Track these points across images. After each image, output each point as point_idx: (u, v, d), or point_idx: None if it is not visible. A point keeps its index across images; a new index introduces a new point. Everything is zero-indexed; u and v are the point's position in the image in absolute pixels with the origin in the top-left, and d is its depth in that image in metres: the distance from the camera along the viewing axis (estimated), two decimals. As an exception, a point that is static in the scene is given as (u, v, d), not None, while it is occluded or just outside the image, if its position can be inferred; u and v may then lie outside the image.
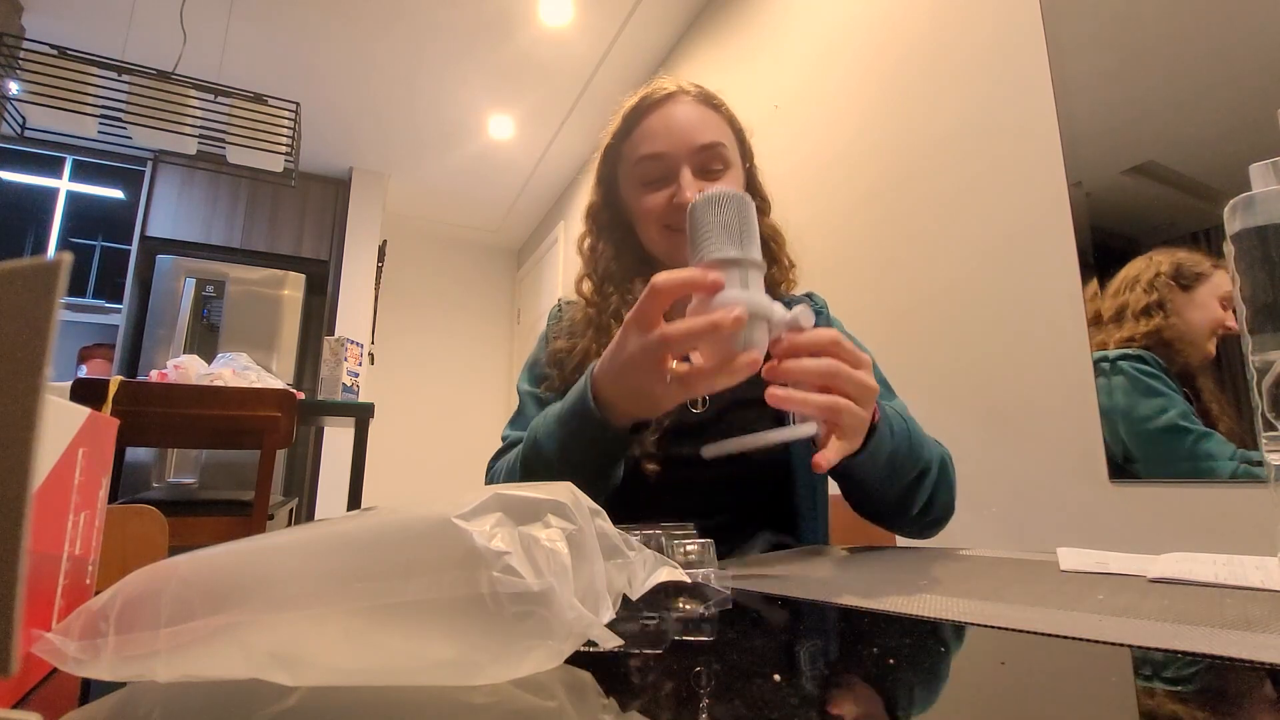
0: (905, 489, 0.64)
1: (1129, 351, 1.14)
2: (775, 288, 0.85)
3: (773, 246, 0.87)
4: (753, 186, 0.87)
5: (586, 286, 0.86)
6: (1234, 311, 0.39)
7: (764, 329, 0.49)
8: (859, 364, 0.52)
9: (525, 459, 0.66)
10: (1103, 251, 1.21)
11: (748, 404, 0.79)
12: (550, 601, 0.21)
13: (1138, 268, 1.15)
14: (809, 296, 0.91)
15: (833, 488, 0.82)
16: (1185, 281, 1.08)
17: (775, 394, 0.50)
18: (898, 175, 1.71)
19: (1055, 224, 1.29)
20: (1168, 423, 1.07)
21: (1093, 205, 1.23)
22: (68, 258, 0.19)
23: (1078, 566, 0.46)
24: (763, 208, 0.89)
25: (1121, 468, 1.14)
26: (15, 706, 0.23)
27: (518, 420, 0.83)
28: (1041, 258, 1.32)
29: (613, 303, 0.81)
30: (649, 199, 0.79)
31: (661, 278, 0.49)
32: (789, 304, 0.75)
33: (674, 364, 0.51)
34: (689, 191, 0.74)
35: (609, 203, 0.89)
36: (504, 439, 0.81)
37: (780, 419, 0.79)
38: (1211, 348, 1.04)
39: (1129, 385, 1.13)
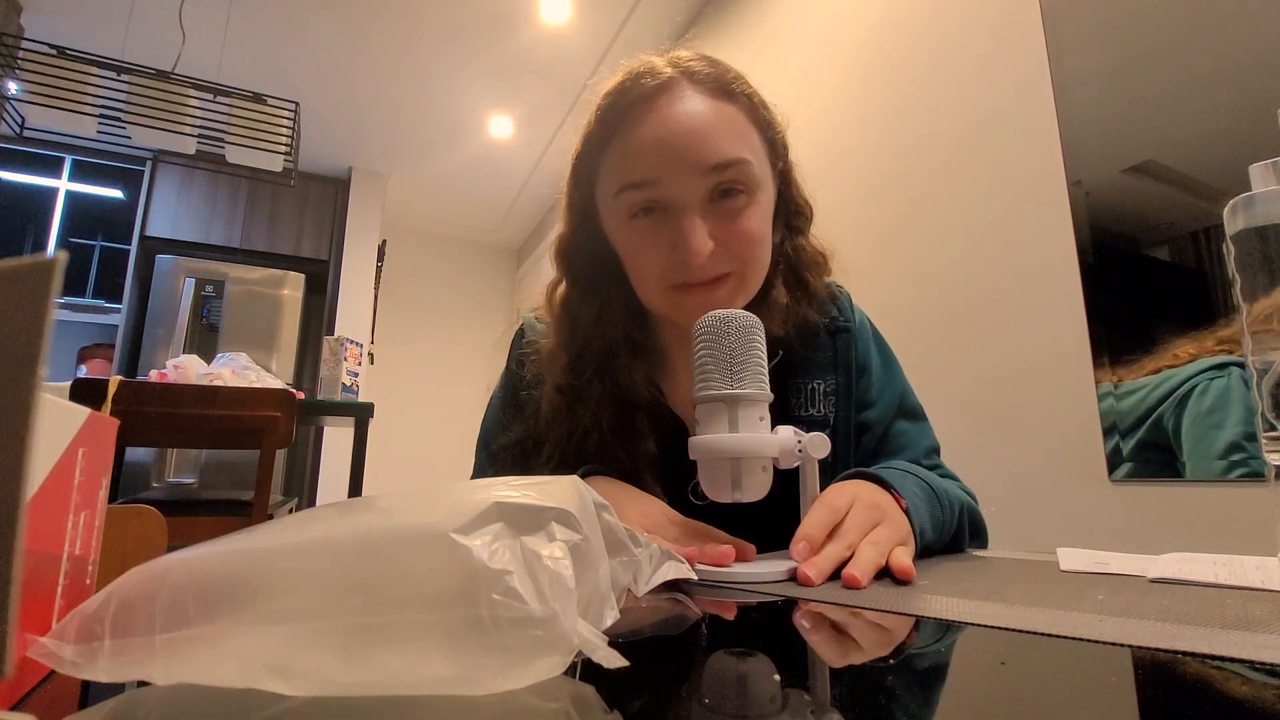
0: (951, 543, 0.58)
1: (1260, 366, 1.04)
2: (805, 324, 0.67)
3: (808, 277, 0.68)
4: (788, 197, 0.68)
5: (558, 368, 0.65)
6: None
7: (758, 471, 0.48)
8: (848, 531, 0.46)
9: None
10: (1102, 251, 1.21)
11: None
12: (553, 625, 0.20)
13: None
14: (834, 302, 0.72)
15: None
16: None
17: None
18: (897, 175, 1.71)
19: (1055, 223, 1.29)
20: (1234, 438, 1.01)
21: (1093, 205, 1.23)
22: (63, 256, 0.19)
23: (1078, 566, 0.46)
24: (800, 225, 0.69)
25: (1157, 466, 1.10)
26: (13, 709, 0.23)
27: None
28: (1041, 257, 1.32)
29: (593, 395, 0.62)
30: (645, 248, 0.59)
31: (690, 552, 0.45)
32: (809, 347, 0.68)
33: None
34: (695, 240, 0.55)
35: (583, 235, 0.66)
36: None
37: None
38: None
39: (1229, 387, 1.04)
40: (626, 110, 0.58)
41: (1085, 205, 1.24)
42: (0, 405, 0.18)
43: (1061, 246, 1.27)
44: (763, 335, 0.50)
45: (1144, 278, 1.16)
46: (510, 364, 0.72)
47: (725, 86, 0.60)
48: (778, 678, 0.26)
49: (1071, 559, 0.49)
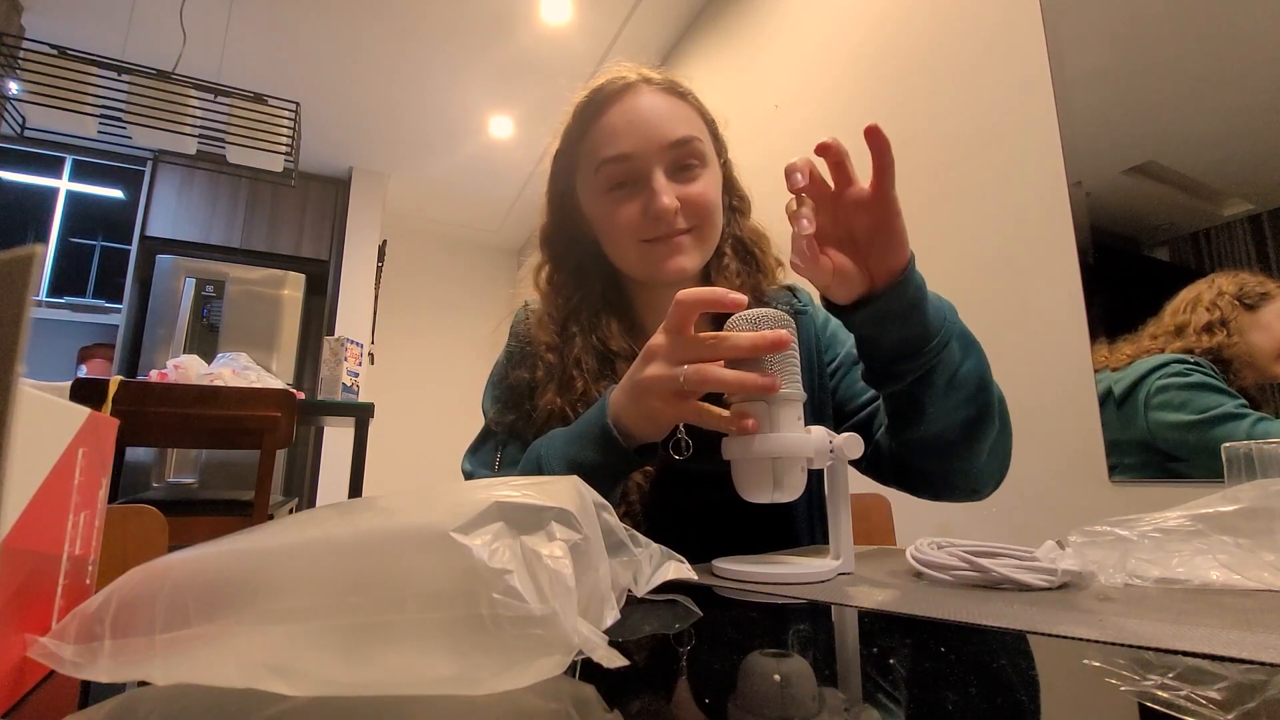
0: (972, 395, 0.58)
1: (1185, 357, 1.09)
2: (759, 293, 0.77)
3: (756, 251, 0.79)
4: (729, 183, 0.80)
5: (548, 329, 0.75)
6: None
7: (798, 470, 0.48)
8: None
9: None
10: (1103, 251, 1.21)
11: None
12: (553, 624, 0.20)
13: (1199, 289, 1.09)
14: (791, 291, 0.81)
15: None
16: (1249, 301, 1.03)
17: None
18: (898, 175, 1.71)
19: (1055, 224, 1.28)
20: (1222, 412, 1.03)
21: (1093, 205, 1.23)
22: (40, 249, 0.19)
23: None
24: (742, 208, 0.81)
25: (1159, 468, 1.11)
26: (13, 709, 0.23)
27: (481, 450, 0.75)
28: (1041, 257, 1.32)
29: (576, 347, 0.72)
30: (620, 211, 0.69)
31: (684, 293, 0.49)
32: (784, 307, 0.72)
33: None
34: (664, 197, 0.66)
35: (564, 221, 0.78)
36: (465, 473, 0.73)
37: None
38: (1278, 370, 0.99)
39: (1181, 383, 1.08)
40: (600, 105, 0.71)
41: (1086, 206, 1.24)
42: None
43: (1062, 247, 1.27)
44: (796, 333, 0.50)
45: (1144, 279, 1.16)
46: (509, 345, 0.82)
47: (676, 89, 0.73)
48: (777, 678, 0.26)
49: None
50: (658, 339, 0.52)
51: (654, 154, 0.68)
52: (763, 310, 0.49)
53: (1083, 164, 1.25)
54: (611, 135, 0.69)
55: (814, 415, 0.73)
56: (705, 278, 0.75)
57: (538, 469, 0.59)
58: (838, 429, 0.74)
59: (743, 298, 0.48)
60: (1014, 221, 1.39)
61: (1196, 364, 1.07)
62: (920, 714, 0.23)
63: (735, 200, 0.80)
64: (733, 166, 0.80)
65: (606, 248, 0.74)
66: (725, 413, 0.48)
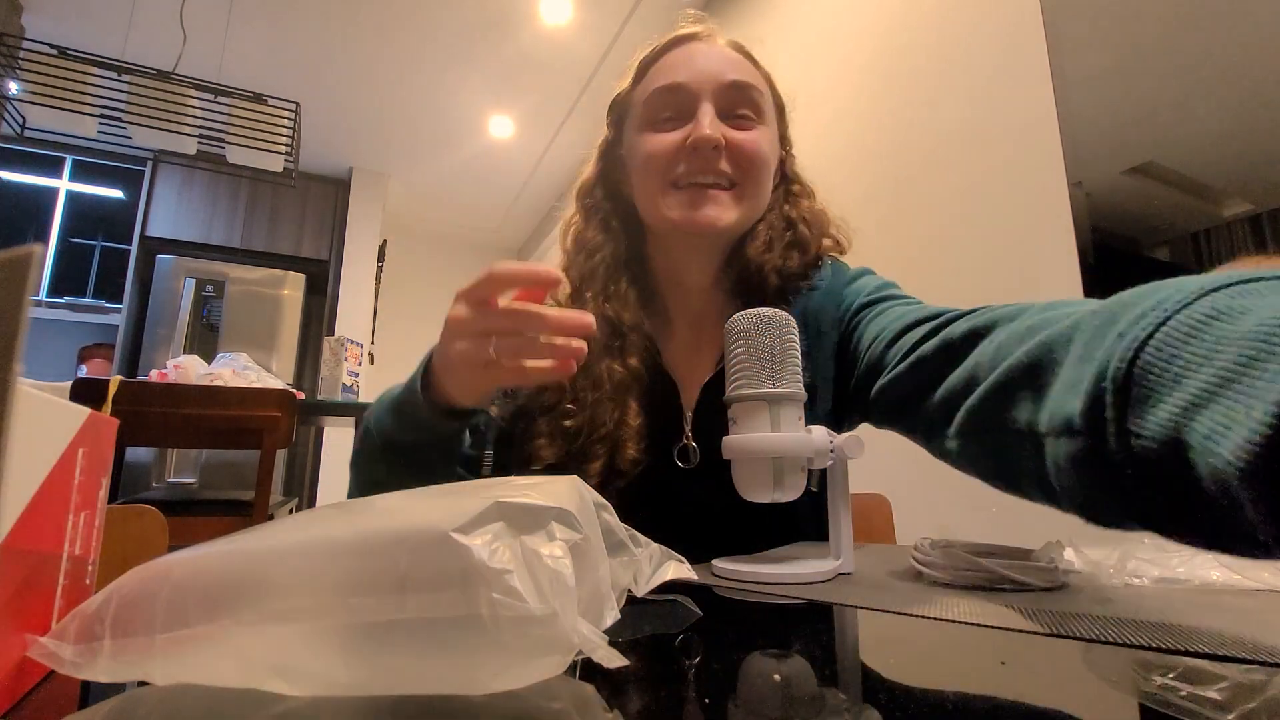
0: None
1: None
2: (786, 274, 0.69)
3: (804, 230, 0.72)
4: (790, 173, 0.76)
5: (564, 287, 0.70)
6: None
7: (798, 470, 0.48)
8: None
9: (357, 450, 0.61)
10: (1103, 251, 1.21)
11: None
12: (553, 624, 0.20)
13: None
14: (830, 260, 0.76)
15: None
16: None
17: None
18: (898, 175, 1.71)
19: (1055, 224, 1.28)
20: None
21: (1093, 205, 1.23)
22: (40, 249, 0.19)
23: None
24: (799, 193, 0.76)
25: None
26: (12, 709, 0.23)
27: None
28: (1042, 258, 1.31)
29: (590, 310, 0.63)
30: (658, 148, 0.62)
31: (500, 267, 0.45)
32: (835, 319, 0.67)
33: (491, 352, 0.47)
34: (708, 126, 0.60)
35: (605, 175, 0.72)
36: None
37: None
38: None
39: None
40: (664, 48, 0.68)
41: (1086, 206, 1.24)
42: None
43: (1062, 247, 1.27)
44: (796, 332, 0.50)
45: (1144, 279, 1.15)
46: None
47: (744, 48, 0.70)
48: (777, 678, 0.26)
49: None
50: (459, 311, 0.48)
51: (707, 88, 0.62)
52: (764, 310, 0.49)
53: (1083, 164, 1.25)
54: (668, 69, 0.65)
55: (822, 401, 0.66)
56: (739, 243, 0.68)
57: (363, 435, 0.61)
58: (870, 389, 0.62)
59: (559, 276, 0.46)
60: (1014, 221, 1.39)
61: None
62: (920, 714, 0.23)
63: (795, 186, 0.75)
64: (794, 161, 0.76)
65: (637, 193, 0.67)
66: (546, 362, 0.47)
